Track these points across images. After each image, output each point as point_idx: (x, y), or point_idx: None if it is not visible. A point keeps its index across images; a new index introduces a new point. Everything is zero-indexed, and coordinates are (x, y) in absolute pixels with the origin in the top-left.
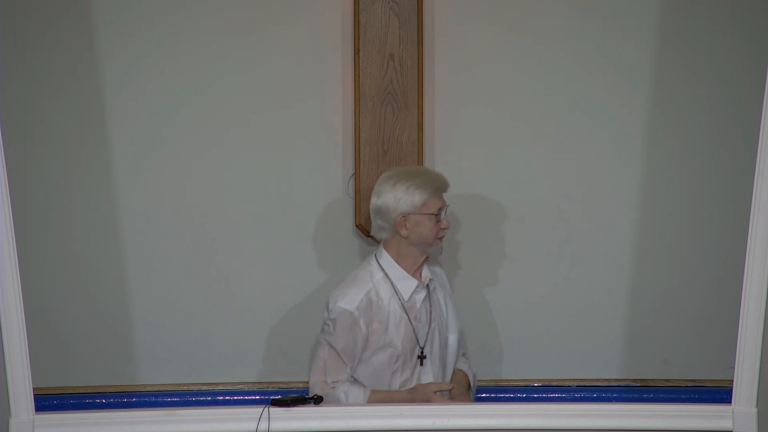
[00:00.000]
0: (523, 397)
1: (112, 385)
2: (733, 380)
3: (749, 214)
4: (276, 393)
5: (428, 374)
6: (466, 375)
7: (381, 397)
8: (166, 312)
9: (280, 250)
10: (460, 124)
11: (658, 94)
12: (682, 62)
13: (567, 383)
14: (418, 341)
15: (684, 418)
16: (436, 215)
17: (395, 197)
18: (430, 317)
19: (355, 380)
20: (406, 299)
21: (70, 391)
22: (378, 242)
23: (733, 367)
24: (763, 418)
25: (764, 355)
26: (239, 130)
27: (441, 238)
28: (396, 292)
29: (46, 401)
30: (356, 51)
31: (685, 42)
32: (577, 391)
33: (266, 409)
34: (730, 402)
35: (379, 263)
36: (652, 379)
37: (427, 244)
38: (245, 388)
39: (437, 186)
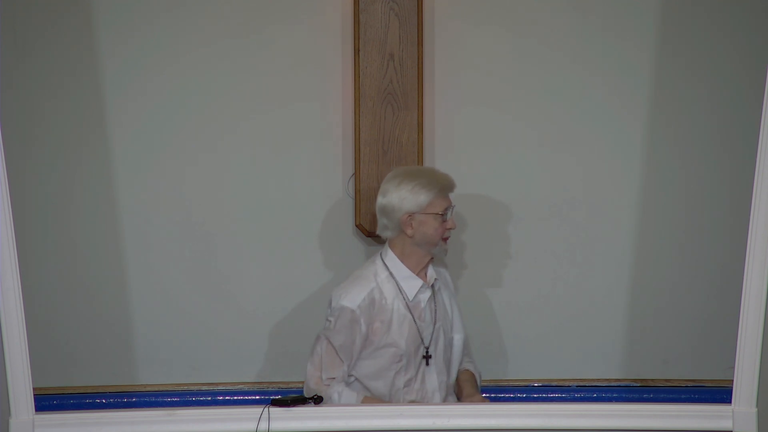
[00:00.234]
0: (523, 397)
1: (112, 385)
2: (733, 380)
3: (749, 214)
4: (276, 393)
5: (432, 374)
6: (473, 374)
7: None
8: (166, 312)
9: (280, 250)
10: (460, 124)
11: (658, 94)
12: (682, 62)
13: (567, 383)
14: (422, 341)
15: (684, 418)
16: (442, 215)
17: (400, 196)
18: (435, 317)
19: (354, 380)
20: (410, 298)
21: (70, 391)
22: (382, 242)
23: (733, 367)
24: (763, 418)
25: (764, 355)
26: (239, 130)
27: (446, 239)
28: (400, 291)
29: (46, 401)
30: (356, 51)
31: (685, 42)
32: (577, 391)
33: (266, 409)
34: (730, 402)
35: (384, 262)
36: (652, 379)
37: (432, 244)
38: (245, 388)
39: (443, 186)
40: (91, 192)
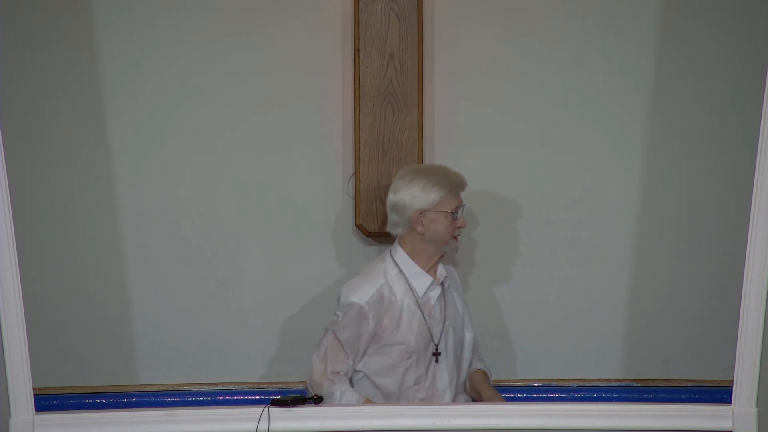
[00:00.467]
0: (523, 397)
1: (112, 385)
2: (733, 380)
3: (749, 214)
4: (276, 393)
5: (443, 372)
6: (486, 374)
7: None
8: (166, 312)
9: (280, 250)
10: (460, 124)
11: (658, 94)
12: (682, 62)
13: (567, 383)
14: (432, 338)
15: (684, 418)
16: (452, 213)
17: (411, 194)
18: (445, 315)
19: (363, 376)
20: (420, 295)
21: (70, 391)
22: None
23: (733, 367)
24: (763, 418)
25: (764, 355)
26: (239, 130)
27: (456, 237)
28: (410, 288)
29: (46, 401)
30: (356, 51)
31: (685, 42)
32: (577, 391)
33: (266, 409)
34: (730, 402)
35: (393, 259)
36: (652, 379)
37: (442, 242)
38: (245, 388)
39: (454, 185)
40: (91, 192)
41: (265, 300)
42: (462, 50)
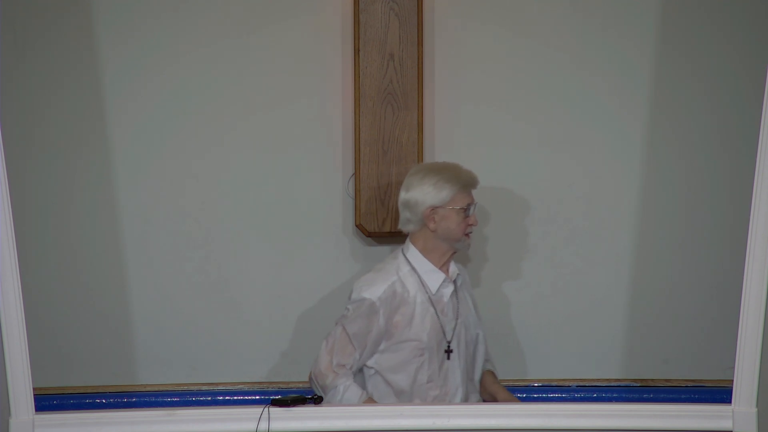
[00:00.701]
0: (523, 397)
1: (112, 385)
2: (733, 380)
3: (749, 215)
4: (276, 393)
5: (455, 370)
6: (495, 375)
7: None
8: (166, 312)
9: (280, 250)
10: (460, 124)
11: (658, 94)
12: (682, 62)
13: (567, 383)
14: (444, 335)
15: (684, 418)
16: (465, 210)
17: (424, 191)
18: (457, 312)
19: (375, 372)
20: (433, 292)
21: (70, 391)
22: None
23: (733, 367)
24: (763, 418)
25: (764, 355)
26: (239, 130)
27: (468, 235)
28: (423, 284)
29: (46, 401)
30: (356, 51)
31: (685, 42)
32: (577, 391)
33: (266, 409)
34: (730, 402)
35: (405, 257)
36: (652, 379)
37: (454, 240)
38: (245, 388)
39: (466, 182)
40: (91, 192)
41: (265, 300)
42: (462, 50)
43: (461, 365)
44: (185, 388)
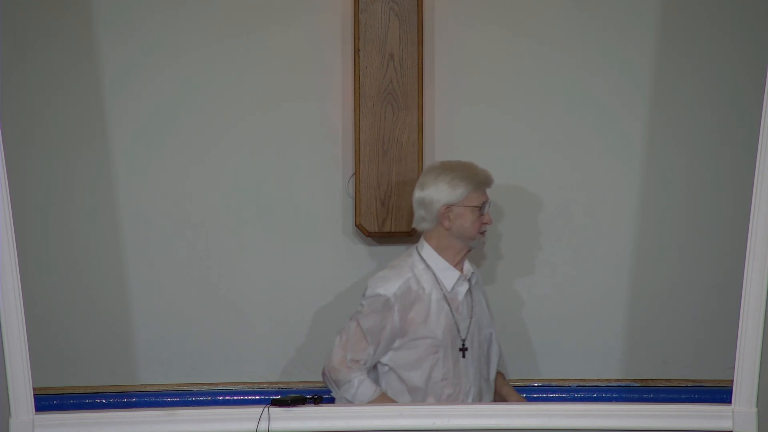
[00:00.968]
0: (523, 396)
1: (112, 385)
2: (733, 380)
3: (749, 214)
4: (276, 393)
5: (470, 368)
6: (504, 376)
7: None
8: (166, 312)
9: (280, 250)
10: (460, 124)
11: (658, 94)
12: (682, 62)
13: (567, 383)
14: (459, 333)
15: (684, 418)
16: (479, 208)
17: (438, 188)
18: (471, 311)
19: (389, 369)
20: (449, 289)
21: (70, 391)
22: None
23: (733, 367)
24: (763, 418)
25: (764, 355)
26: (239, 130)
27: (483, 233)
28: (438, 282)
29: (46, 401)
30: (356, 51)
31: (685, 42)
32: (577, 391)
33: (266, 409)
34: (730, 402)
35: (420, 255)
36: (652, 379)
37: (469, 238)
38: (245, 388)
39: (481, 180)
40: (91, 192)
41: (264, 299)
42: (462, 50)
43: (475, 364)
44: (185, 388)
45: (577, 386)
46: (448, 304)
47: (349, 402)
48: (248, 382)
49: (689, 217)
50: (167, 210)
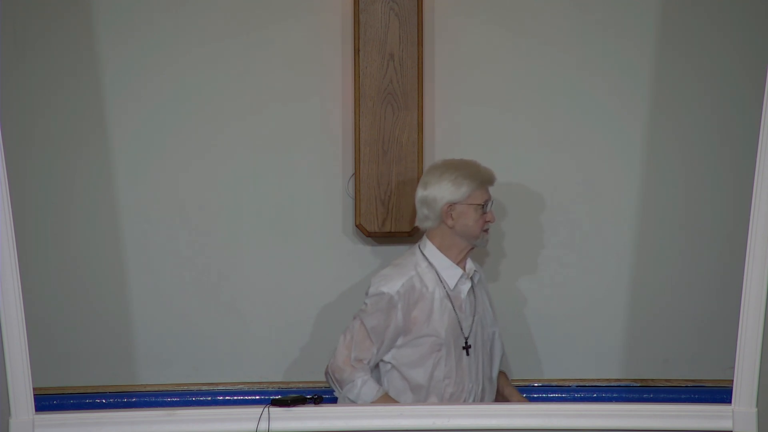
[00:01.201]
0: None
1: (112, 385)
2: (733, 380)
3: (749, 215)
4: (276, 393)
5: (472, 367)
6: (507, 376)
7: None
8: (167, 312)
9: (280, 250)
10: (460, 124)
11: (658, 94)
12: (682, 62)
13: (567, 383)
14: (462, 331)
15: (684, 418)
16: (482, 207)
17: (442, 187)
18: (474, 309)
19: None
20: (451, 287)
21: (70, 391)
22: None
23: (733, 367)
24: (763, 418)
25: (764, 355)
26: (239, 130)
27: (486, 231)
28: (441, 280)
29: (46, 401)
30: (356, 51)
31: (685, 42)
32: (577, 391)
33: (266, 409)
34: (730, 402)
35: (423, 253)
36: (652, 379)
37: (472, 236)
38: (245, 388)
39: (484, 179)
40: (91, 192)
41: (264, 300)
42: (462, 50)
43: (478, 363)
44: (185, 388)
45: (577, 386)
46: (451, 303)
47: (352, 402)
48: (248, 382)
49: (689, 217)
50: (167, 210)
